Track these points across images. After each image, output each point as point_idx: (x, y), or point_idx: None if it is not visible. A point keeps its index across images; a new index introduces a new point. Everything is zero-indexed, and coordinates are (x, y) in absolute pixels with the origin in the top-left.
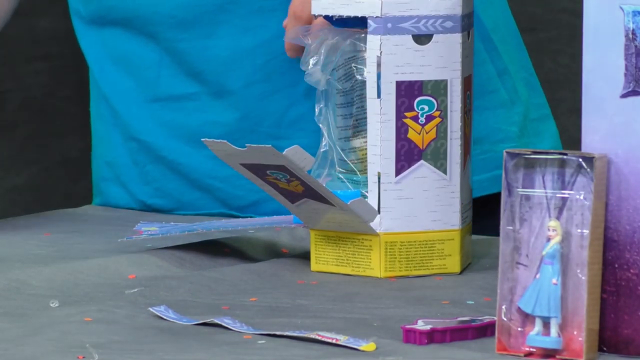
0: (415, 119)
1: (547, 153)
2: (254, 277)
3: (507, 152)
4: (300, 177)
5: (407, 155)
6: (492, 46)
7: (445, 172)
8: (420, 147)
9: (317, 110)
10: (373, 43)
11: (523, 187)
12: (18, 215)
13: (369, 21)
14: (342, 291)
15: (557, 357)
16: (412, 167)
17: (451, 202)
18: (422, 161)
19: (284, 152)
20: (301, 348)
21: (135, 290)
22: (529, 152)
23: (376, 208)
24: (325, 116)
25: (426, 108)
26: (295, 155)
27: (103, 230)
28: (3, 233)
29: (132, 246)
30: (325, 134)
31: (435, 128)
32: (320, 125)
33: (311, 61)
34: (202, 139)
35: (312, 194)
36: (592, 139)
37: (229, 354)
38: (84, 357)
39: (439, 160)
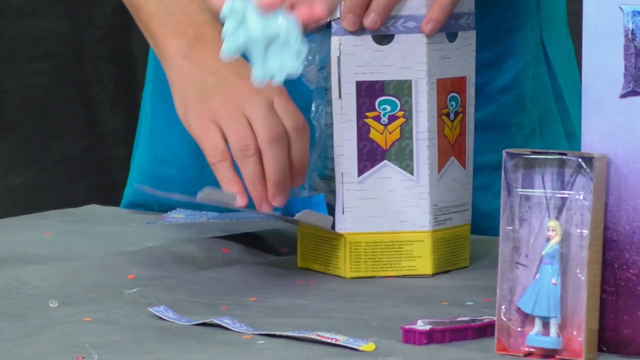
0: (377, 118)
1: (546, 153)
2: (254, 277)
3: (506, 152)
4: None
5: (369, 155)
6: (564, 106)
7: (412, 172)
8: (384, 147)
9: (313, 108)
10: (334, 44)
11: (522, 187)
12: (18, 215)
13: (332, 23)
14: (342, 291)
15: (557, 357)
16: (375, 167)
17: (419, 203)
18: (385, 161)
19: (197, 197)
20: (301, 348)
21: (135, 290)
22: (528, 152)
23: (341, 208)
24: (321, 114)
25: (388, 108)
26: (211, 196)
27: (103, 230)
28: (3, 233)
29: (132, 246)
30: (317, 132)
31: (399, 128)
32: (315, 123)
33: (306, 62)
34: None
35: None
36: (592, 139)
37: (229, 354)
38: (83, 357)
39: (404, 161)
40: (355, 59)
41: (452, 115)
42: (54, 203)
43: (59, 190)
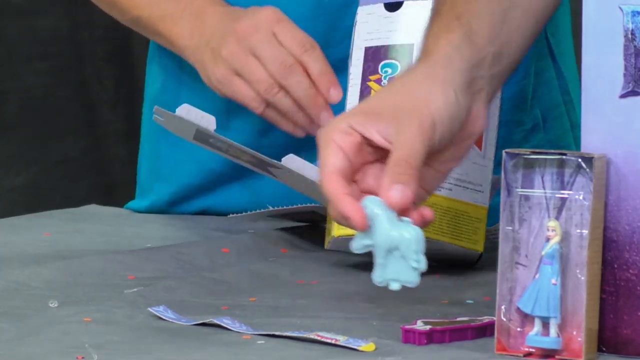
0: (378, 81)
1: (546, 153)
2: (254, 277)
3: (506, 152)
4: (222, 142)
5: None
6: (569, 99)
7: None
8: None
9: None
10: (357, 15)
11: (522, 187)
12: (18, 215)
13: None
14: (342, 291)
15: (557, 357)
16: None
17: None
18: None
19: (175, 112)
20: (301, 348)
21: (135, 290)
22: (528, 152)
23: None
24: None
25: (390, 71)
26: (189, 114)
27: (103, 230)
28: (3, 233)
29: (132, 246)
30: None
31: None
32: None
33: None
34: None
35: (257, 159)
36: (592, 139)
37: (228, 354)
38: (83, 357)
39: None
40: (367, 26)
41: None
42: (54, 203)
43: (59, 190)
